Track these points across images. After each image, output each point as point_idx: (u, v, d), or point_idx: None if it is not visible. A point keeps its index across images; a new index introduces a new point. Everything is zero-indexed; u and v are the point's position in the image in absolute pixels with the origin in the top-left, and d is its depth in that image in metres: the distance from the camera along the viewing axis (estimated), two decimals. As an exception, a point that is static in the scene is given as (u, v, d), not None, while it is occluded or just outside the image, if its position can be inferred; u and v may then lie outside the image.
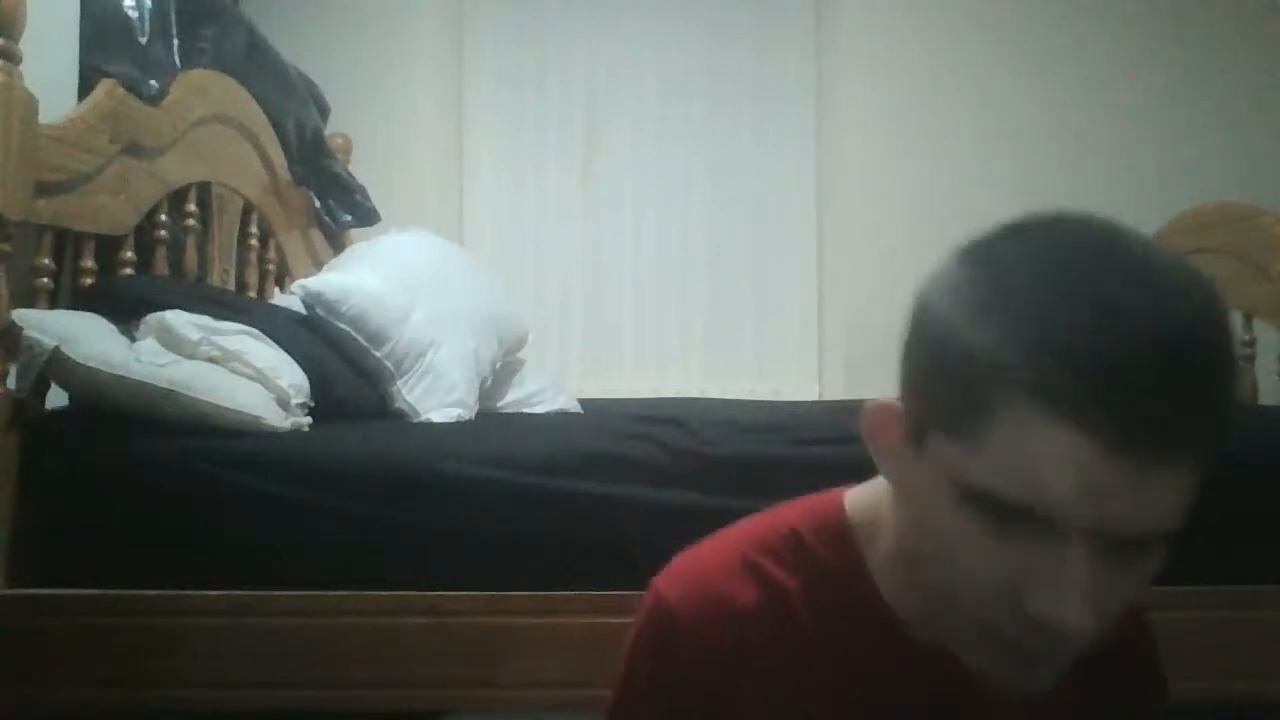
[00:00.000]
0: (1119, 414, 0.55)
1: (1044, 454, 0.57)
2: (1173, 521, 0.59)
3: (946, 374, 0.61)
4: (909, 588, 0.73)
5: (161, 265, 1.96)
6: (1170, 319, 0.56)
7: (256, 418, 1.50)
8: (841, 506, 0.77)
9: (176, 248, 2.03)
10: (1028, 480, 0.58)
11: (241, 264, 2.35)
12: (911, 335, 0.65)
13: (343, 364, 1.81)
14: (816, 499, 0.79)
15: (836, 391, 3.15)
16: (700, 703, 0.74)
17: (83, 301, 1.67)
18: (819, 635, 0.73)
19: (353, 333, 1.84)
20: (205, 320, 1.60)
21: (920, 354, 0.64)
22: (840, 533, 0.75)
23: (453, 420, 1.86)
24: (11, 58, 1.46)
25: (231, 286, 2.27)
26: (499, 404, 2.18)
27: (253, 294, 2.33)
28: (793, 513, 0.78)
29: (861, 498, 0.77)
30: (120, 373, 1.45)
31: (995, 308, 0.59)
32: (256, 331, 1.65)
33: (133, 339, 1.58)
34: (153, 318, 1.58)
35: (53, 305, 1.62)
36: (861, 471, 0.79)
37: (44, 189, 1.54)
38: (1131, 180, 3.12)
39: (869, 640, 0.74)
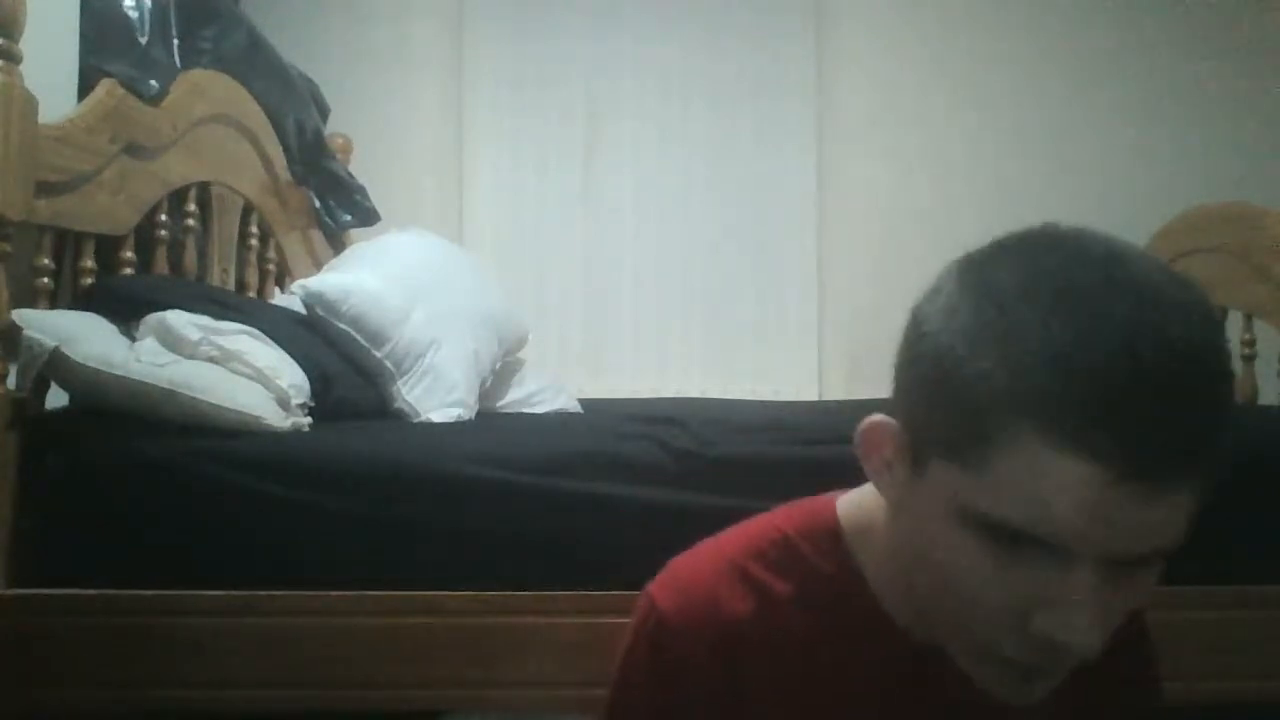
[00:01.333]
0: (1127, 442, 0.56)
1: (1052, 482, 0.57)
2: (1176, 539, 0.60)
3: (948, 401, 0.61)
4: (902, 592, 0.73)
5: (161, 265, 1.96)
6: (1174, 344, 0.57)
7: (256, 418, 1.50)
8: (834, 511, 0.78)
9: (176, 248, 2.03)
10: (1036, 507, 0.58)
11: (241, 264, 2.35)
12: (908, 358, 0.65)
13: (343, 364, 1.81)
14: (808, 503, 0.79)
15: (836, 392, 3.15)
16: (694, 708, 0.74)
17: (83, 301, 1.67)
18: (813, 640, 0.74)
19: (353, 333, 1.85)
20: (205, 320, 1.60)
21: (919, 379, 0.64)
22: (833, 537, 0.76)
23: (453, 420, 1.86)
24: (11, 58, 1.46)
25: (231, 286, 2.27)
26: (499, 404, 2.18)
27: (253, 294, 2.33)
28: (785, 517, 0.78)
29: (853, 502, 0.77)
30: (120, 373, 1.45)
31: (996, 335, 0.59)
32: (256, 331, 1.65)
33: (133, 339, 1.58)
34: (153, 318, 1.58)
35: (53, 305, 1.62)
36: (861, 473, 0.79)
37: (44, 189, 1.53)
38: (1132, 180, 3.12)
39: (863, 642, 0.74)
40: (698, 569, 0.77)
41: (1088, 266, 0.60)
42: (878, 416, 0.69)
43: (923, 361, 0.64)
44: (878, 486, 0.71)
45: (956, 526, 0.62)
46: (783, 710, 0.74)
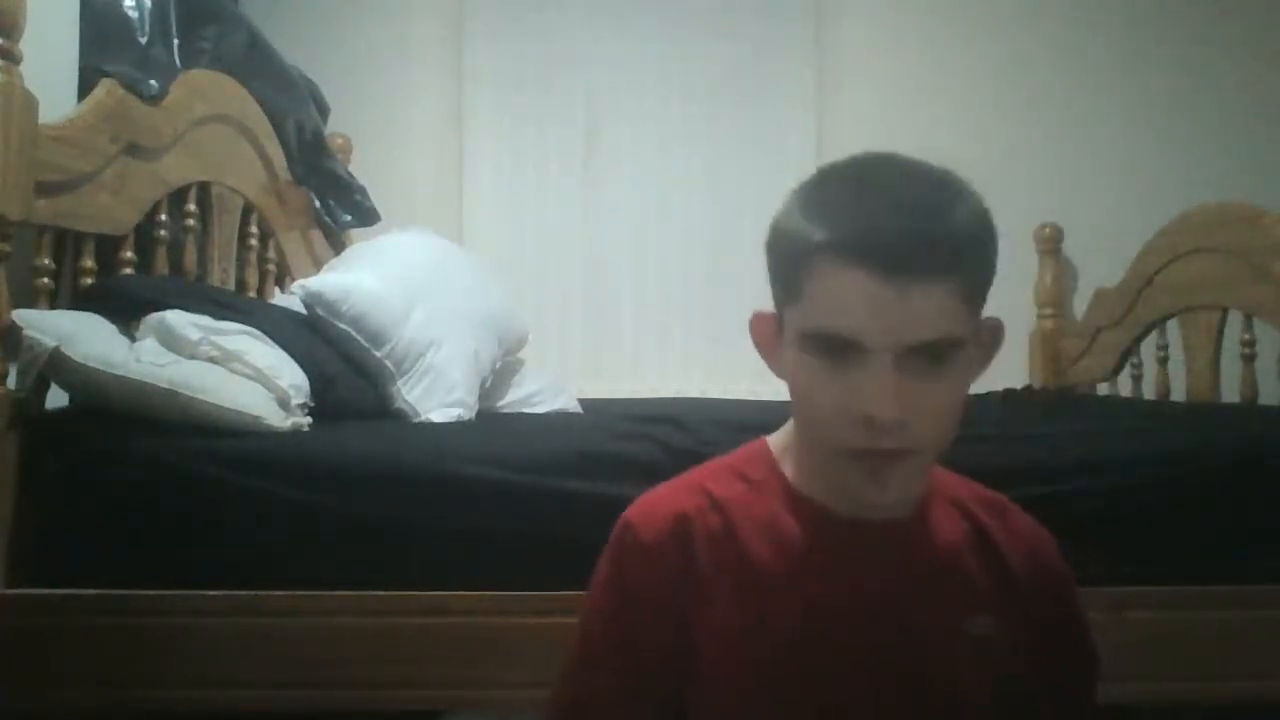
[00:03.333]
0: (881, 251, 0.77)
1: (841, 289, 0.79)
2: (947, 329, 0.79)
3: (781, 258, 0.85)
4: (816, 474, 0.90)
5: (161, 265, 1.96)
6: (916, 185, 0.83)
7: (256, 418, 1.50)
8: (764, 442, 0.97)
9: (176, 248, 2.02)
10: (835, 311, 0.80)
11: (241, 264, 2.35)
12: (765, 249, 0.87)
13: (343, 364, 1.81)
14: (748, 443, 0.98)
15: (836, 391, 3.15)
16: (653, 589, 0.88)
17: (83, 301, 1.67)
18: (752, 527, 0.90)
19: (353, 333, 1.84)
20: (205, 320, 1.60)
21: (768, 258, 0.87)
22: (762, 455, 0.95)
23: (453, 420, 1.86)
24: (11, 58, 1.46)
25: (231, 286, 2.27)
26: (499, 404, 2.18)
27: (253, 294, 2.33)
28: (731, 454, 0.97)
29: (779, 432, 0.96)
30: (120, 373, 1.45)
31: (808, 204, 0.83)
32: (256, 331, 1.65)
33: (133, 339, 1.58)
34: (153, 318, 1.58)
35: (53, 305, 1.62)
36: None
37: (44, 189, 1.54)
38: (1132, 180, 3.12)
39: (794, 528, 0.90)
40: (657, 489, 0.95)
41: (873, 159, 0.87)
42: (758, 310, 0.90)
43: (768, 244, 0.87)
44: (771, 368, 0.90)
45: (800, 353, 0.83)
46: (729, 586, 0.88)
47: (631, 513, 0.92)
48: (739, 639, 0.87)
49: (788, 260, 0.84)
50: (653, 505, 0.92)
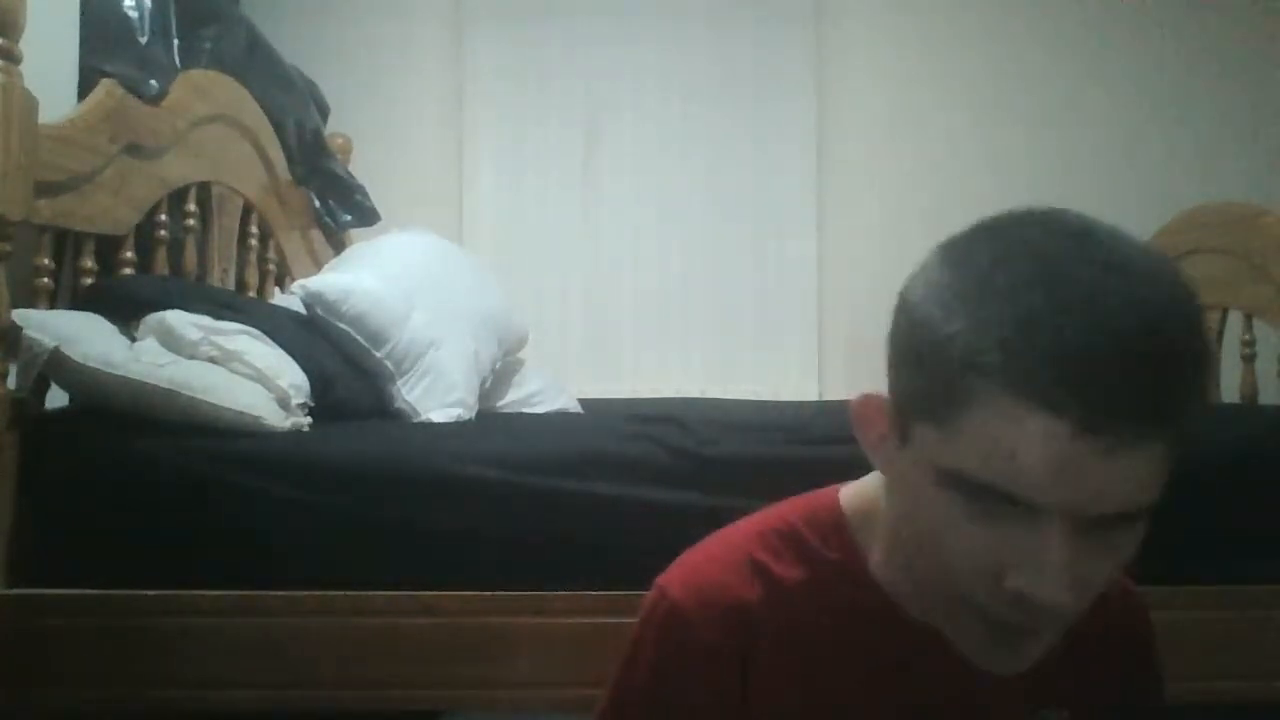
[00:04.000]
0: (1086, 396, 0.58)
1: (1016, 436, 0.60)
2: (1145, 499, 0.62)
3: (925, 365, 0.64)
4: (904, 575, 0.75)
5: (161, 265, 1.96)
6: (1137, 304, 0.59)
7: (256, 418, 1.50)
8: (837, 502, 0.80)
9: (176, 248, 2.02)
10: (1002, 462, 0.61)
11: (241, 264, 2.35)
12: (894, 331, 0.68)
13: (343, 364, 1.81)
14: (813, 496, 0.81)
15: (836, 391, 3.15)
16: (703, 699, 0.75)
17: (83, 301, 1.67)
18: (820, 624, 0.76)
19: (353, 333, 1.84)
20: (205, 320, 1.60)
21: (901, 348, 0.67)
22: (837, 527, 0.78)
23: (453, 420, 1.86)
24: (11, 58, 1.46)
25: (231, 286, 2.27)
26: (499, 404, 2.18)
27: (253, 294, 2.33)
28: (791, 510, 0.80)
29: (855, 493, 0.80)
30: (120, 373, 1.45)
31: (969, 300, 0.62)
32: (256, 331, 1.65)
33: (133, 339, 1.58)
34: (153, 318, 1.58)
35: (53, 305, 1.62)
36: (861, 471, 0.80)
37: (44, 189, 1.53)
38: (1131, 180, 3.12)
39: (868, 625, 0.76)
40: (708, 559, 0.79)
41: (1060, 237, 0.63)
42: (869, 391, 0.72)
43: (904, 330, 0.67)
44: (872, 460, 0.74)
45: (936, 487, 0.65)
46: (790, 695, 0.75)
47: (680, 594, 0.76)
48: None
49: (935, 370, 0.63)
50: (704, 588, 0.76)
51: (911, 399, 0.67)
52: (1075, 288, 0.60)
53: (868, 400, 0.72)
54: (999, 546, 0.63)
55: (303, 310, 1.88)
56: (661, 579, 0.79)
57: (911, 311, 0.66)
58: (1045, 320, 0.59)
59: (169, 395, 1.46)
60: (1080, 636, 0.74)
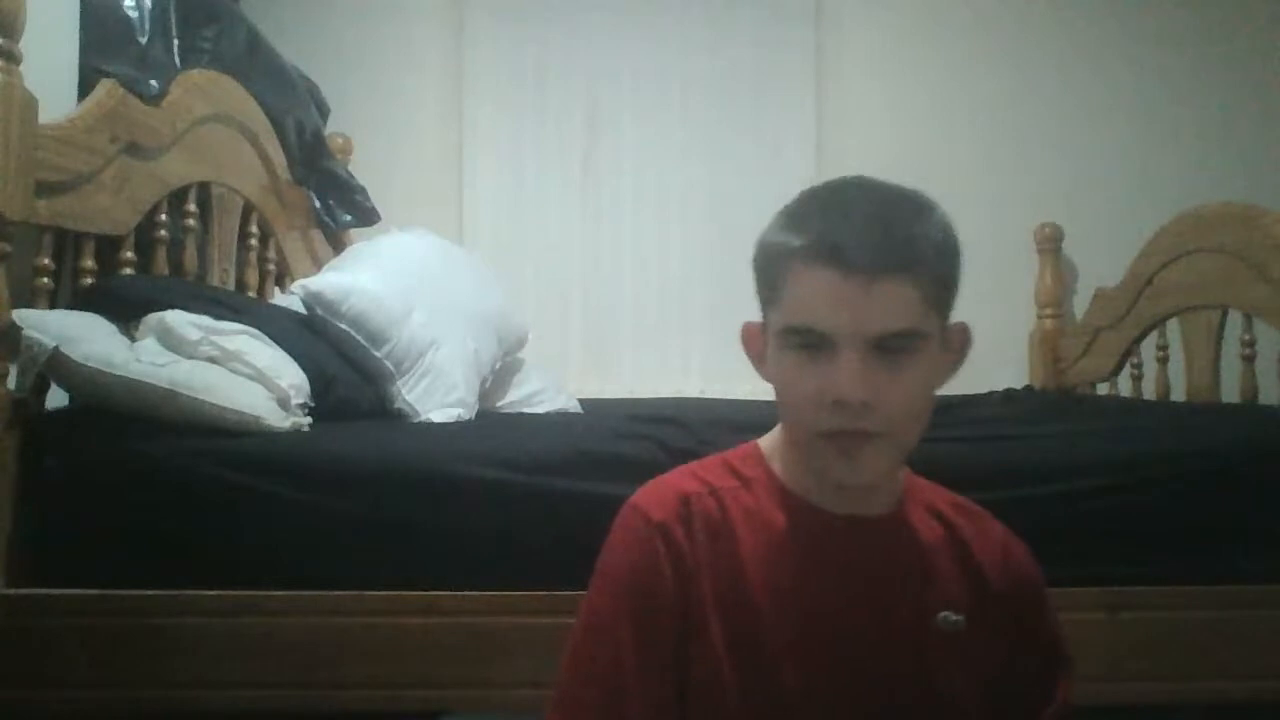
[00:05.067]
0: (846, 252, 0.87)
1: (810, 288, 0.89)
2: (905, 324, 0.87)
3: (763, 267, 0.94)
4: (796, 470, 0.97)
5: (161, 265, 1.96)
6: (881, 198, 0.92)
7: (256, 418, 1.50)
8: (756, 443, 1.04)
9: (176, 248, 2.02)
10: (806, 308, 0.89)
11: (241, 264, 2.35)
12: (751, 264, 0.96)
13: (343, 364, 1.81)
14: (741, 445, 1.05)
15: (836, 391, 3.14)
16: (663, 576, 0.93)
17: (83, 301, 1.67)
18: (747, 522, 0.96)
19: (353, 333, 1.84)
20: (205, 320, 1.60)
21: (754, 269, 0.96)
22: (755, 454, 1.02)
23: (453, 420, 1.86)
24: (11, 58, 1.46)
25: (231, 286, 2.27)
26: (499, 404, 2.18)
27: (253, 294, 2.33)
28: (724, 453, 1.04)
29: (769, 434, 1.03)
30: (120, 373, 1.45)
31: (786, 219, 0.93)
32: (256, 331, 1.65)
33: (133, 339, 1.58)
34: (153, 318, 1.58)
35: (53, 305, 1.62)
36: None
37: (44, 189, 1.54)
38: (1132, 180, 3.12)
39: (784, 520, 0.96)
40: (660, 477, 1.01)
41: (849, 180, 0.95)
42: (748, 320, 0.99)
43: (754, 258, 0.96)
44: (756, 369, 0.99)
45: (780, 350, 0.92)
46: (719, 566, 0.94)
47: (638, 497, 0.99)
48: (722, 618, 0.92)
49: (769, 268, 0.93)
50: (658, 487, 0.99)
51: (763, 299, 0.95)
52: (847, 198, 0.92)
53: (747, 325, 1.00)
54: (820, 376, 0.88)
55: (303, 310, 1.88)
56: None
57: (757, 244, 0.96)
58: (826, 216, 0.90)
59: (169, 395, 1.46)
60: (969, 549, 0.98)
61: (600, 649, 0.94)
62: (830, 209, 0.91)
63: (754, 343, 0.99)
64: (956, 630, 0.95)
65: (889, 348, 0.88)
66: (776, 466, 1.00)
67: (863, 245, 0.87)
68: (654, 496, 0.98)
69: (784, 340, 0.91)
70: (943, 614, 0.95)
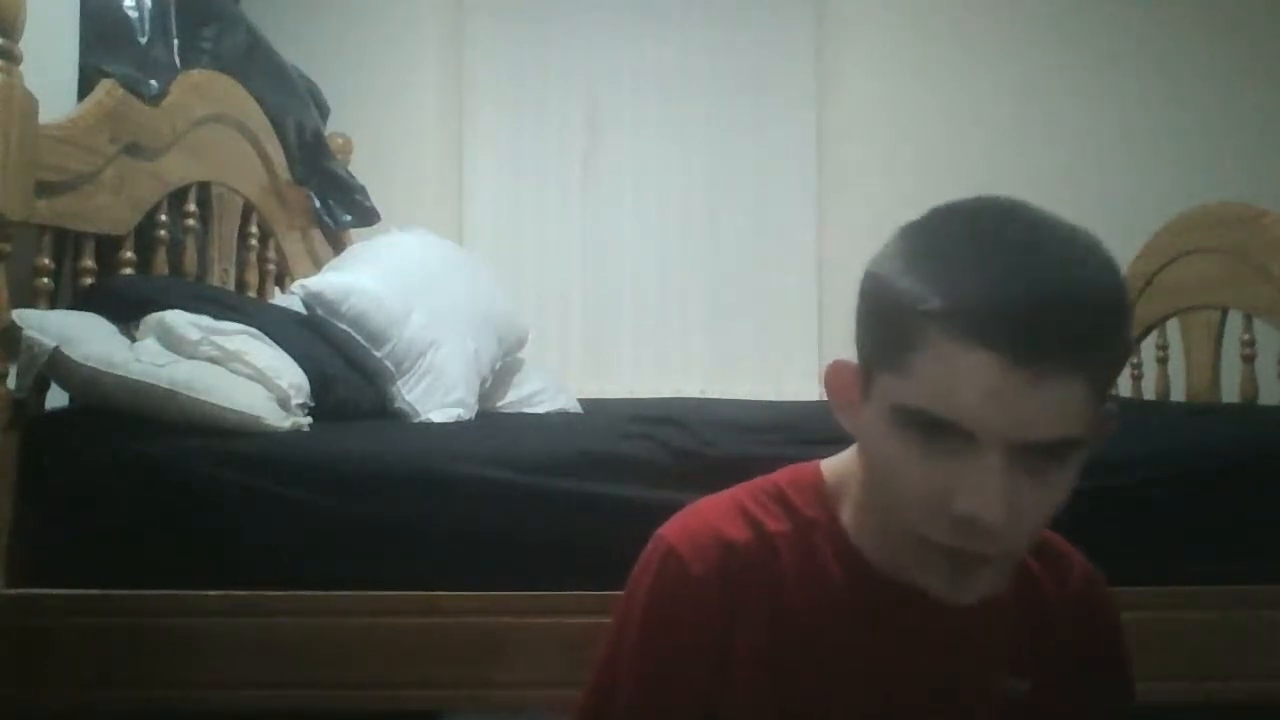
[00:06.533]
0: (1015, 334, 0.67)
1: (957, 371, 0.69)
2: (1070, 431, 0.70)
3: (882, 318, 0.74)
4: (873, 531, 0.83)
5: (161, 265, 1.96)
6: (1057, 257, 0.70)
7: (256, 418, 1.50)
8: (818, 468, 0.89)
9: (176, 248, 2.03)
10: (946, 394, 0.69)
11: (241, 264, 2.35)
12: (859, 298, 0.77)
13: (343, 364, 1.81)
14: (799, 465, 0.90)
15: (836, 391, 3.15)
16: (692, 634, 0.82)
17: (83, 301, 1.67)
18: (798, 572, 0.83)
19: (353, 333, 1.84)
20: (205, 320, 1.60)
21: (863, 310, 0.77)
22: (816, 488, 0.87)
23: (453, 420, 1.86)
24: (11, 58, 1.46)
25: (231, 286, 2.27)
26: (499, 404, 2.18)
27: (253, 294, 2.33)
28: (779, 475, 0.89)
29: (834, 461, 0.89)
30: (120, 373, 1.45)
31: (917, 259, 0.72)
32: (256, 331, 1.65)
33: (133, 339, 1.58)
34: (153, 318, 1.58)
35: (53, 305, 1.62)
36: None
37: (44, 189, 1.53)
38: (1132, 180, 3.12)
39: (840, 576, 0.84)
40: (701, 509, 0.87)
41: (998, 211, 0.75)
42: (838, 358, 0.81)
43: (866, 293, 0.76)
44: (840, 419, 0.82)
45: (892, 426, 0.73)
46: (767, 635, 0.82)
47: (675, 537, 0.84)
48: (767, 686, 0.83)
49: (890, 322, 0.73)
50: (698, 532, 0.84)
51: (872, 352, 0.76)
52: (1004, 245, 0.71)
53: (837, 365, 0.81)
54: (945, 475, 0.71)
55: (303, 310, 1.88)
56: (661, 529, 0.86)
57: (872, 278, 0.76)
58: (980, 268, 0.69)
59: (169, 395, 1.46)
60: (1041, 609, 0.85)
61: (611, 703, 0.87)
62: (987, 261, 0.70)
63: (846, 391, 0.80)
64: (1020, 698, 0.84)
65: (1039, 454, 0.70)
66: (844, 512, 0.85)
67: (1036, 327, 0.67)
68: (693, 542, 0.83)
69: (903, 418, 0.72)
70: (1009, 684, 0.84)
